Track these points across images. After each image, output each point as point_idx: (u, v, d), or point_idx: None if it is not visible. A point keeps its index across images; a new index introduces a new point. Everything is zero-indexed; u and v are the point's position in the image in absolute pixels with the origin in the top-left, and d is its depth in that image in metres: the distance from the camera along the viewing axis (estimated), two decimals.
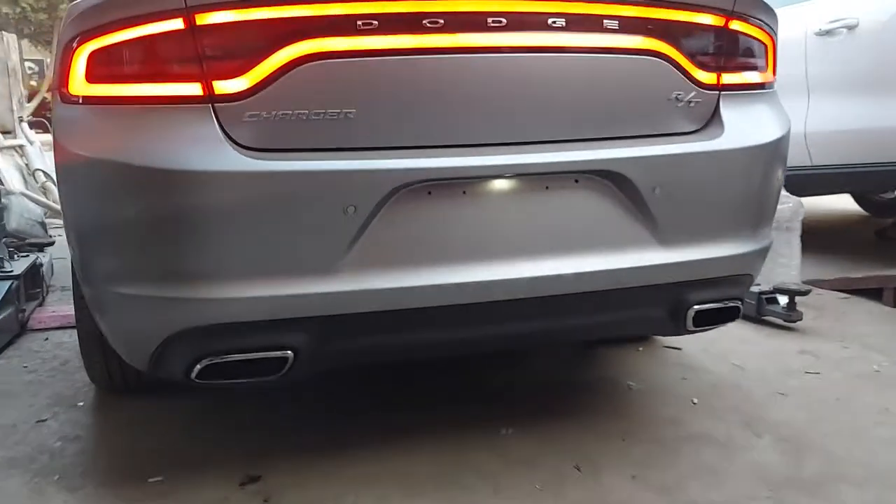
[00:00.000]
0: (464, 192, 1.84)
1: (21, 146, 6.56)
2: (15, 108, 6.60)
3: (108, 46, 1.72)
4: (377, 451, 2.17)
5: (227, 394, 2.54)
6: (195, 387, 1.86)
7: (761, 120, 2.14)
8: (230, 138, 1.71)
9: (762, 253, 2.18)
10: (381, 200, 1.74)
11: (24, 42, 10.61)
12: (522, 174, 1.87)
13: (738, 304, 2.15)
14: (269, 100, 1.72)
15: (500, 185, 1.87)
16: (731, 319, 2.20)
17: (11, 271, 3.27)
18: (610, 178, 1.90)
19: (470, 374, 2.79)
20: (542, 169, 1.88)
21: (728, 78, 2.09)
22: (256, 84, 1.71)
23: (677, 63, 1.98)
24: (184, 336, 1.76)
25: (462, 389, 2.67)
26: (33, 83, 12.18)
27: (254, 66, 1.71)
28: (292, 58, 1.72)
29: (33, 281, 3.54)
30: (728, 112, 2.07)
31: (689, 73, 2.01)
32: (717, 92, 2.07)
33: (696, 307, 2.07)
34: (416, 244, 1.81)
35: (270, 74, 1.71)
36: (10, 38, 7.08)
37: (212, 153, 1.69)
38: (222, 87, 1.72)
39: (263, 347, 1.78)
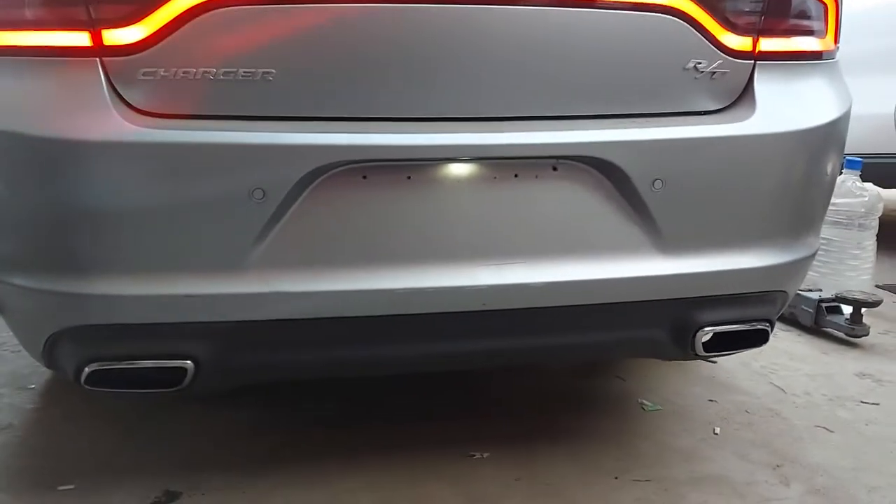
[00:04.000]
0: (408, 178, 1.48)
1: None
2: None
3: None
4: (318, 475, 1.86)
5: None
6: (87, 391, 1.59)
7: (810, 98, 1.70)
8: (121, 100, 1.41)
9: (801, 265, 1.75)
10: (298, 184, 1.41)
11: None
12: (485, 157, 1.50)
13: (767, 326, 1.74)
14: (168, 53, 1.40)
15: (456, 170, 1.51)
16: (758, 345, 1.79)
17: None
18: (597, 167, 1.52)
19: (457, 378, 2.44)
20: (511, 152, 1.50)
21: (768, 44, 1.66)
22: (153, 34, 1.40)
23: (698, 23, 1.57)
24: (68, 336, 1.49)
25: (441, 403, 2.31)
26: None
27: (151, 12, 1.40)
28: (198, 1, 1.39)
29: None
30: (764, 87, 1.64)
31: (714, 37, 1.59)
32: (752, 61, 1.64)
33: (708, 329, 1.67)
34: (345, 240, 1.47)
35: (172, 21, 1.40)
36: None
37: (96, 118, 1.39)
38: (113, 36, 1.41)
39: (158, 356, 1.49)
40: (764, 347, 2.69)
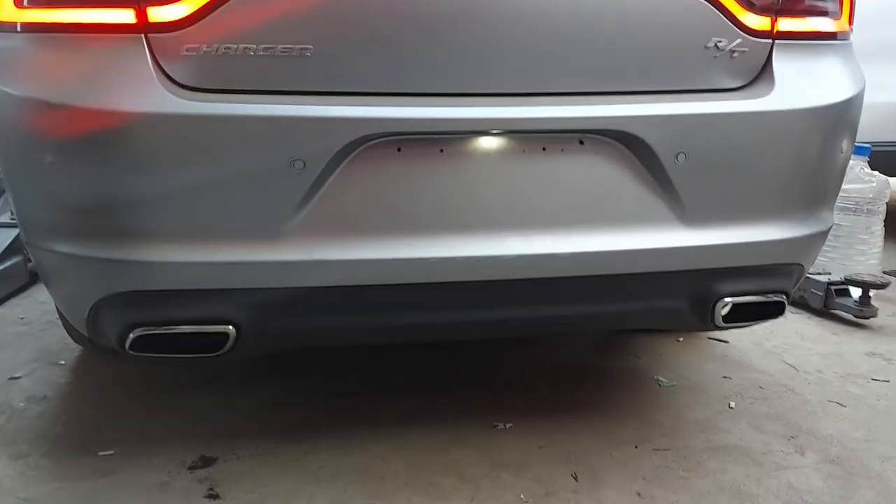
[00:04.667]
0: (441, 151, 1.54)
1: None
2: None
3: None
4: (349, 442, 1.93)
5: (211, 366, 2.34)
6: (132, 358, 1.65)
7: (825, 77, 1.75)
8: (165, 75, 1.46)
9: (817, 239, 1.80)
10: (336, 156, 1.47)
11: None
12: (514, 131, 1.56)
13: (783, 298, 1.79)
14: (210, 31, 1.46)
15: (486, 143, 1.56)
16: (774, 316, 1.84)
17: None
18: (622, 141, 1.57)
19: (478, 354, 2.51)
20: (539, 125, 1.55)
21: (786, 24, 1.71)
22: (197, 11, 1.45)
23: (719, 2, 1.62)
24: (113, 302, 1.54)
25: (463, 376, 2.39)
26: None
27: None
28: None
29: None
30: (782, 65, 1.69)
31: (734, 16, 1.64)
32: (770, 40, 1.69)
33: (728, 300, 1.72)
34: (381, 210, 1.53)
35: (213, 0, 1.45)
36: None
37: (142, 91, 1.44)
38: (157, 13, 1.46)
39: (201, 321, 1.55)
40: (775, 328, 2.79)
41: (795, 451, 1.96)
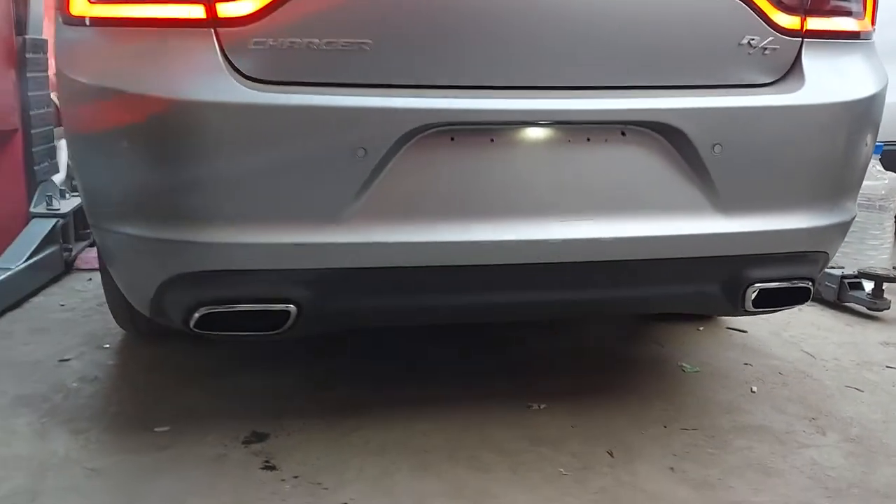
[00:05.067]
0: (492, 140, 1.63)
1: None
2: None
3: None
4: (392, 420, 2.02)
5: (250, 347, 2.43)
6: (198, 336, 1.74)
7: (851, 74, 1.84)
8: (233, 67, 1.55)
9: (842, 228, 1.89)
10: (395, 144, 1.56)
11: None
12: (560, 122, 1.65)
13: (809, 284, 1.88)
14: (276, 25, 1.55)
15: (534, 133, 1.66)
16: (800, 302, 1.94)
17: (58, 209, 3.24)
18: (662, 133, 1.66)
19: (508, 340, 2.60)
20: (584, 117, 1.65)
21: (814, 23, 1.80)
22: (263, 7, 1.55)
23: (753, 3, 1.71)
24: (181, 281, 1.63)
25: (495, 357, 2.49)
26: None
27: None
28: None
29: (84, 221, 3.52)
30: (811, 62, 1.79)
31: (767, 15, 1.73)
32: (800, 39, 1.78)
33: (758, 285, 1.81)
34: (435, 196, 1.62)
35: None
36: None
37: (212, 82, 1.54)
38: (226, 9, 1.56)
39: (264, 299, 1.64)
40: (791, 319, 2.88)
41: (817, 431, 2.05)
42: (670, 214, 1.70)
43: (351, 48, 1.57)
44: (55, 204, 3.26)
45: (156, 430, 1.97)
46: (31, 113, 3.19)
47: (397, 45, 1.58)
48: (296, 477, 1.76)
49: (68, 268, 3.30)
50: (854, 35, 1.88)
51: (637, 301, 1.93)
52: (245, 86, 1.54)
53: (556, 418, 2.06)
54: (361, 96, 1.56)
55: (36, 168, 3.24)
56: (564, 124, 1.66)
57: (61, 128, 4.80)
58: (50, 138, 3.40)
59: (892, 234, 3.53)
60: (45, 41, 3.26)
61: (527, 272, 1.68)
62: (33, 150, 3.22)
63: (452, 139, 1.61)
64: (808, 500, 1.74)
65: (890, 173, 3.47)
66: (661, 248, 1.71)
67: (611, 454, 1.90)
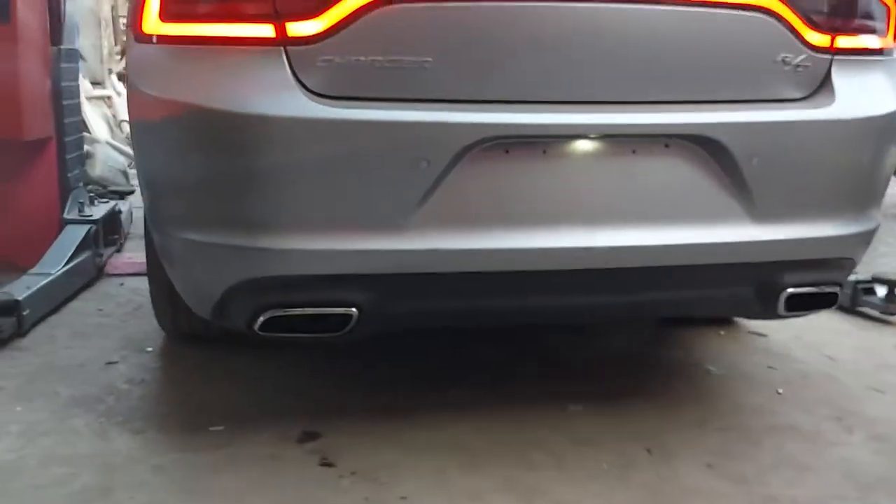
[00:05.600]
0: (544, 152, 1.72)
1: (109, 97, 6.72)
2: (105, 59, 6.75)
3: None
4: (437, 420, 2.10)
5: (291, 349, 2.51)
6: (258, 338, 1.82)
7: (877, 89, 1.94)
8: (301, 83, 1.64)
9: (867, 236, 1.99)
10: (455, 156, 1.65)
11: None
12: (608, 135, 1.75)
13: (837, 289, 1.98)
14: (343, 44, 1.64)
15: (584, 146, 1.75)
16: (828, 306, 2.03)
17: (91, 216, 3.32)
18: (703, 145, 1.75)
19: (540, 347, 2.69)
20: (630, 131, 1.74)
21: (843, 41, 1.90)
22: (331, 27, 1.63)
23: (787, 22, 1.81)
24: (248, 286, 1.71)
25: (531, 362, 2.57)
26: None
27: (329, 8, 1.63)
28: (369, 0, 1.62)
29: (112, 227, 3.60)
30: (840, 79, 1.88)
31: (800, 34, 1.83)
32: (830, 56, 1.88)
33: (790, 290, 1.91)
34: (490, 204, 1.71)
35: (346, 17, 1.63)
36: None
37: (282, 98, 1.62)
38: (296, 29, 1.64)
39: (328, 303, 1.72)
40: (808, 324, 2.97)
41: (844, 430, 2.14)
42: (711, 222, 1.79)
43: (413, 66, 1.65)
44: (87, 210, 3.34)
45: (211, 429, 2.04)
46: (65, 121, 3.27)
47: (456, 63, 1.67)
48: (353, 473, 1.83)
49: (100, 273, 3.37)
50: (878, 52, 1.98)
51: (677, 304, 2.02)
52: (313, 101, 1.62)
53: (594, 419, 2.15)
54: (424, 111, 1.64)
55: (69, 175, 3.31)
56: (612, 137, 1.75)
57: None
58: (81, 146, 3.48)
59: None
60: (78, 51, 3.34)
61: (575, 277, 1.76)
62: (66, 157, 3.29)
63: (507, 151, 1.69)
64: (841, 494, 1.83)
65: None
66: (702, 254, 1.80)
67: (649, 452, 1.98)
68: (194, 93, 1.65)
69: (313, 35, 1.64)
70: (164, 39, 1.70)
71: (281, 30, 1.64)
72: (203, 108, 1.64)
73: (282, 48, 1.65)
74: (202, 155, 1.67)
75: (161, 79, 1.71)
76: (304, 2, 1.64)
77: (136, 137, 1.87)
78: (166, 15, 1.69)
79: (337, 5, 1.63)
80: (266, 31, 1.65)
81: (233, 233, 1.69)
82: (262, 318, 1.73)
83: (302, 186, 1.64)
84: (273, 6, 1.64)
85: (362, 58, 1.64)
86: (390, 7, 1.63)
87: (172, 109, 1.68)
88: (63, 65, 3.23)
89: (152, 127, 1.76)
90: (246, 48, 1.66)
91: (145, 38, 1.72)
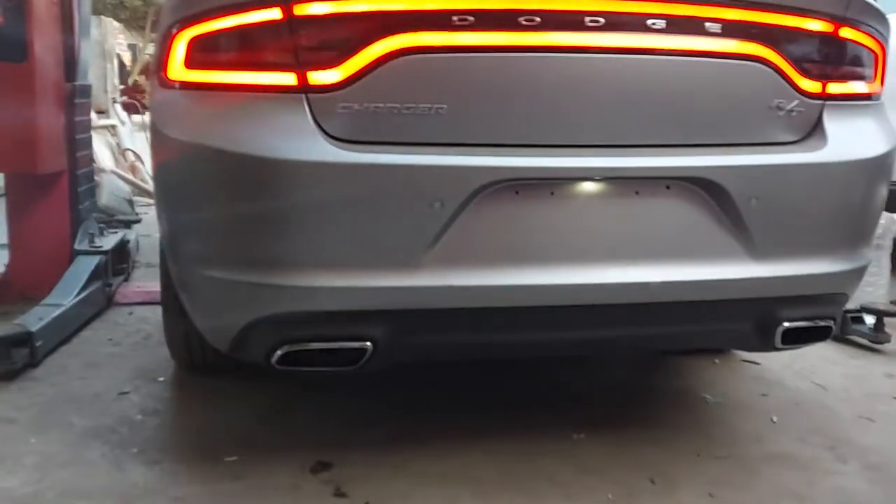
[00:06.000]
0: (552, 193, 1.80)
1: (114, 126, 6.81)
2: (109, 89, 6.85)
3: (207, 33, 1.75)
4: (446, 450, 2.16)
5: (302, 381, 2.57)
6: (274, 371, 1.88)
7: (866, 133, 2.04)
8: (322, 129, 1.72)
9: (859, 272, 2.08)
10: (468, 197, 1.73)
11: (120, 27, 11.04)
12: (612, 177, 1.83)
13: (831, 323, 2.06)
14: (362, 92, 1.72)
15: (589, 187, 1.83)
16: (822, 339, 2.11)
17: (101, 247, 3.38)
18: (703, 187, 1.84)
19: (542, 377, 2.76)
20: (633, 173, 1.83)
21: (833, 87, 2.00)
22: (350, 76, 1.72)
23: (781, 70, 1.90)
24: (267, 321, 1.78)
25: (534, 392, 2.64)
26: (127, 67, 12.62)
27: (348, 58, 1.71)
28: (387, 51, 1.71)
29: (120, 256, 3.66)
30: (832, 123, 1.98)
31: (793, 81, 1.92)
32: (822, 101, 1.98)
33: (786, 324, 1.99)
34: (501, 243, 1.79)
35: (365, 67, 1.71)
36: (108, 21, 7.37)
37: (304, 143, 1.70)
38: (317, 77, 1.72)
39: (344, 337, 1.79)
40: (799, 352, 3.05)
41: (838, 460, 2.22)
42: (711, 260, 1.87)
43: (428, 112, 1.74)
44: (97, 241, 3.40)
45: (226, 459, 2.10)
46: (77, 154, 3.34)
47: (469, 110, 1.76)
48: (367, 503, 1.89)
49: (109, 302, 3.42)
50: (867, 97, 2.08)
51: (679, 338, 2.10)
52: (333, 145, 1.71)
53: (597, 448, 2.21)
54: (438, 155, 1.73)
55: (80, 207, 3.38)
56: (616, 179, 1.83)
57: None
58: (91, 178, 3.55)
59: (888, 272, 3.73)
60: (90, 86, 3.42)
61: (582, 313, 1.84)
62: (78, 189, 3.36)
63: (517, 192, 1.78)
64: None
65: (886, 214, 3.68)
66: (703, 290, 1.88)
67: (652, 482, 2.05)
68: (218, 137, 1.73)
69: (334, 84, 1.72)
70: (188, 86, 1.78)
71: (303, 78, 1.73)
72: (226, 152, 1.72)
73: (303, 95, 1.73)
74: (225, 196, 1.75)
75: (185, 123, 1.79)
76: (325, 52, 1.73)
77: (159, 178, 1.94)
78: (192, 62, 1.77)
79: (357, 55, 1.71)
80: (289, 78, 1.73)
81: (253, 270, 1.76)
82: (279, 353, 1.80)
83: (321, 226, 1.72)
84: (295, 56, 1.72)
85: (380, 104, 1.73)
86: (406, 58, 1.72)
87: (195, 152, 1.76)
88: (77, 100, 3.31)
89: (175, 169, 1.83)
90: (268, 95, 1.75)
91: (170, 84, 1.80)
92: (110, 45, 7.10)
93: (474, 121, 1.77)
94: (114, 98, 7.09)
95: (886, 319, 3.27)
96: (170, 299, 2.36)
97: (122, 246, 3.69)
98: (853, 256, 2.03)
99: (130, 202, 5.00)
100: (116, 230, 3.82)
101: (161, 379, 2.66)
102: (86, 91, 3.38)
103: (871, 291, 3.65)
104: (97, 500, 1.90)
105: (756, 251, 1.89)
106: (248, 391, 2.53)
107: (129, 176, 5.90)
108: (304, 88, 1.73)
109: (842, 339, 3.31)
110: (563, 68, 1.78)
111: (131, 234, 3.98)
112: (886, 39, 2.08)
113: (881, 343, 3.24)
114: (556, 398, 2.58)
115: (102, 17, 7.19)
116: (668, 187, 1.85)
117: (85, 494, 1.92)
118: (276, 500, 1.90)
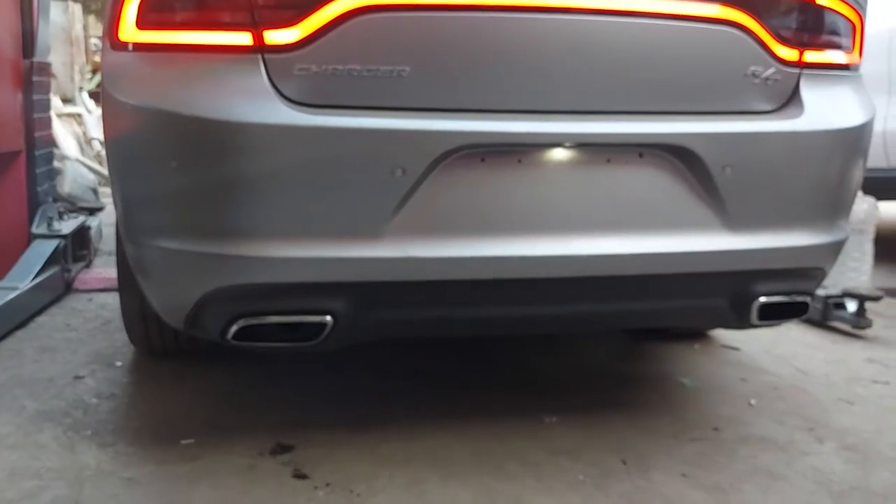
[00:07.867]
0: (519, 161, 1.73)
1: (79, 115, 6.67)
2: (76, 77, 6.71)
3: None
4: (415, 432, 2.08)
5: (264, 361, 2.49)
6: (231, 348, 1.80)
7: (844, 103, 1.99)
8: (278, 91, 1.64)
9: (836, 246, 2.02)
10: (430, 164, 1.65)
11: (91, 18, 10.86)
12: (582, 144, 1.76)
13: (808, 299, 2.00)
14: (320, 53, 1.64)
15: (558, 154, 1.76)
16: (799, 315, 2.06)
17: (59, 231, 3.27)
18: (677, 154, 1.78)
19: (515, 359, 2.69)
20: (604, 140, 1.76)
21: (811, 56, 1.94)
22: (308, 36, 1.64)
23: (757, 36, 1.84)
24: (221, 294, 1.70)
25: (506, 374, 2.57)
26: (97, 59, 12.43)
27: (306, 17, 1.63)
28: (347, 9, 1.63)
29: (81, 242, 3.55)
30: (809, 92, 1.92)
31: (769, 48, 1.86)
32: (798, 70, 1.92)
33: (762, 299, 1.93)
34: (466, 213, 1.71)
35: (323, 26, 1.63)
36: (76, 7, 7.22)
37: (259, 106, 1.62)
38: (273, 37, 1.64)
39: (302, 311, 1.71)
40: (780, 337, 3.01)
41: (815, 441, 2.16)
42: (684, 231, 1.81)
43: (390, 75, 1.66)
44: (56, 225, 3.29)
45: (182, 442, 2.01)
46: (36, 135, 3.23)
47: (432, 73, 1.68)
48: (328, 485, 1.81)
49: (68, 288, 3.31)
50: (845, 67, 2.03)
51: (652, 314, 2.03)
52: (289, 108, 1.62)
53: (569, 430, 2.14)
54: (399, 119, 1.65)
55: (38, 189, 3.27)
56: (586, 146, 1.76)
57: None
58: (51, 160, 3.44)
59: (871, 257, 3.69)
60: (50, 64, 3.31)
61: (550, 286, 1.77)
62: (36, 171, 3.25)
63: (483, 160, 1.70)
64: (814, 502, 1.84)
65: (868, 198, 3.65)
66: (676, 263, 1.81)
67: (625, 463, 1.98)
68: (170, 100, 1.64)
69: (290, 43, 1.64)
70: (140, 47, 1.69)
71: (258, 38, 1.64)
72: (178, 114, 1.63)
73: (259, 56, 1.64)
74: (176, 162, 1.66)
75: (136, 86, 1.70)
76: (281, 11, 1.64)
77: (111, 146, 1.85)
78: (143, 23, 1.68)
79: (314, 14, 1.63)
80: (243, 38, 1.65)
81: (206, 240, 1.67)
82: (235, 327, 1.71)
83: (276, 194, 1.63)
84: (251, 14, 1.64)
85: (339, 66, 1.65)
86: (367, 17, 1.64)
87: (147, 117, 1.67)
88: (35, 78, 3.20)
89: (127, 134, 1.74)
90: (223, 56, 1.66)
91: (121, 46, 1.71)
92: (76, 31, 6.95)
93: (438, 84, 1.69)
94: (81, 86, 6.93)
95: (869, 305, 3.23)
96: (127, 281, 2.26)
97: (83, 231, 3.58)
98: (830, 229, 1.97)
99: (95, 191, 4.87)
100: (77, 216, 3.70)
101: (119, 364, 2.57)
102: (44, 69, 3.27)
103: (854, 277, 3.62)
104: (47, 480, 1.81)
105: (731, 222, 1.83)
106: (208, 375, 2.44)
107: (95, 165, 5.76)
108: (259, 49, 1.65)
109: (824, 325, 3.26)
110: (530, 30, 1.71)
111: (93, 221, 3.86)
112: (864, 10, 2.03)
113: (863, 328, 3.19)
114: (530, 382, 2.51)
115: (69, 2, 7.05)
116: (640, 155, 1.78)
117: (35, 475, 1.83)
118: (232, 481, 1.82)
